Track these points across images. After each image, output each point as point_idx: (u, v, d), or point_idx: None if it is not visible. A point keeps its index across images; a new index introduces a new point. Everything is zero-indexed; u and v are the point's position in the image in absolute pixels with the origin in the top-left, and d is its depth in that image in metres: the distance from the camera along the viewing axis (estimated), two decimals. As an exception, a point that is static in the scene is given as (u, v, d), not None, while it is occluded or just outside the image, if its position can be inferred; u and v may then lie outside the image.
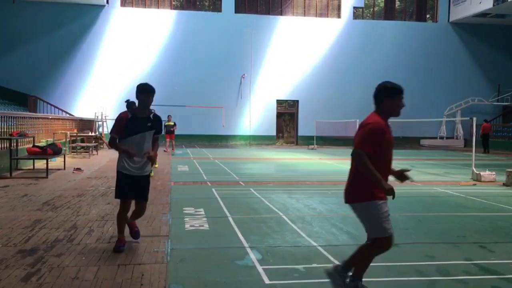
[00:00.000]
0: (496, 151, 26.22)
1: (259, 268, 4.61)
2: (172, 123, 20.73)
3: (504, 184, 11.22)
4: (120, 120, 5.19)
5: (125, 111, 5.34)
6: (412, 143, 30.54)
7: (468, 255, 5.20)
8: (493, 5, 27.55)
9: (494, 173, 12.04)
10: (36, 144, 13.31)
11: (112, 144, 5.23)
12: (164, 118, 25.44)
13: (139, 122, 5.17)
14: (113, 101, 27.09)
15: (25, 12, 27.08)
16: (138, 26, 28.60)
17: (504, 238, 6.06)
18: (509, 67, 32.30)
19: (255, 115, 29.99)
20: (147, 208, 7.53)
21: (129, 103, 6.70)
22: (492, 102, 31.57)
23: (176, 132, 29.58)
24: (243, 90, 29.90)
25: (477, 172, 12.05)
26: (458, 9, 31.05)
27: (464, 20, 31.17)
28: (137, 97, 5.18)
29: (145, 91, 5.17)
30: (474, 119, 13.01)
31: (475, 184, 11.37)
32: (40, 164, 13.37)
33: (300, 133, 30.82)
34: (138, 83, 5.25)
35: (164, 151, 19.97)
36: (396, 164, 14.27)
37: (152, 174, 9.81)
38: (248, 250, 5.25)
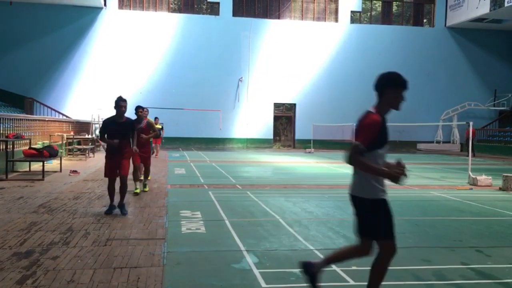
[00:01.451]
0: (492, 155, 26.30)
1: (256, 272, 4.60)
2: (160, 126, 19.46)
3: (500, 189, 11.25)
4: None
5: None
6: (408, 147, 30.60)
7: (464, 259, 5.20)
8: (490, 10, 27.67)
9: (490, 177, 12.07)
10: (32, 146, 13.27)
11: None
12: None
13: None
14: (110, 103, 27.02)
15: (22, 14, 27.04)
16: (136, 29, 28.59)
17: (500, 243, 6.07)
18: (506, 72, 32.43)
19: (252, 118, 29.99)
20: (143, 211, 7.54)
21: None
22: (489, 107, 31.68)
23: (173, 135, 29.67)
24: (240, 93, 29.92)
25: (474, 177, 12.08)
26: (455, 14, 31.17)
27: (461, 25, 31.30)
28: None
29: None
30: (471, 123, 13.04)
31: (471, 189, 11.39)
32: (36, 166, 13.32)
33: (297, 137, 30.83)
34: None
35: (155, 157, 18.32)
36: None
37: (146, 189, 9.72)
38: (245, 253, 5.24)
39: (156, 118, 19.00)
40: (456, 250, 5.63)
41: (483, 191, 11.09)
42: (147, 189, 9.65)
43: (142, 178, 9.77)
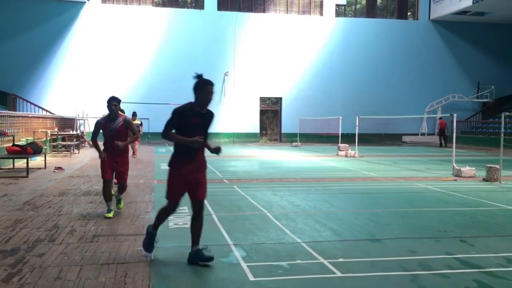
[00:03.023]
0: (476, 147, 26.65)
1: (244, 265, 4.61)
2: (139, 122, 17.57)
3: (484, 179, 11.41)
4: None
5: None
6: (394, 139, 30.86)
7: (449, 249, 5.27)
8: (473, 3, 27.95)
9: (474, 168, 12.24)
10: (16, 143, 13.11)
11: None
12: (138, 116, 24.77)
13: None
14: (94, 99, 26.80)
15: (3, 9, 26.58)
16: (120, 23, 28.31)
17: (484, 232, 6.17)
18: (489, 64, 32.81)
19: (239, 112, 29.95)
20: (130, 207, 7.50)
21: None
22: (472, 99, 32.06)
23: (159, 130, 29.30)
24: (226, 87, 29.84)
25: (458, 168, 12.23)
26: (439, 7, 31.42)
27: (445, 18, 31.56)
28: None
29: None
30: (455, 115, 13.19)
31: (455, 180, 11.54)
32: (20, 163, 13.16)
33: (283, 130, 30.88)
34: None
35: (134, 157, 16.33)
36: (379, 160, 14.44)
37: (121, 205, 7.23)
38: (233, 247, 5.26)
39: (134, 113, 17.20)
40: (441, 240, 5.71)
41: (467, 182, 11.24)
42: (121, 206, 7.21)
43: (114, 193, 7.32)
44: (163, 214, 4.86)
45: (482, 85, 32.41)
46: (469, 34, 32.45)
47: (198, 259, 4.59)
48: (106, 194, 6.79)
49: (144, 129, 27.23)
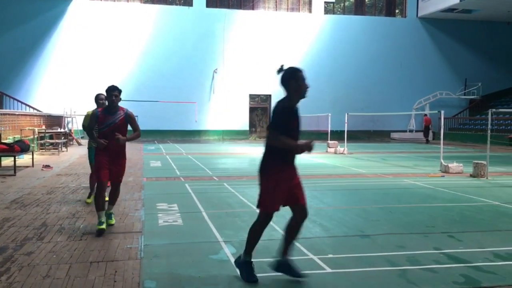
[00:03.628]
0: (463, 143, 26.91)
1: (233, 262, 4.62)
2: None
3: (471, 175, 11.53)
4: None
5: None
6: (382, 136, 31.04)
7: (437, 244, 5.33)
8: (460, 0, 28.18)
9: (461, 164, 12.36)
10: (2, 141, 12.96)
11: None
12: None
13: None
14: (82, 96, 26.59)
15: (-11, 5, 26.26)
16: (108, 20, 28.09)
17: (471, 228, 6.25)
18: (476, 61, 33.13)
19: (228, 110, 29.92)
20: (119, 205, 7.47)
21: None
22: (459, 96, 32.35)
23: (148, 128, 29.14)
24: (215, 85, 29.78)
25: (445, 164, 12.35)
26: (426, 4, 31.62)
27: (432, 15, 31.78)
28: None
29: None
30: (442, 112, 13.30)
31: (443, 176, 11.65)
32: (7, 161, 13.02)
33: (272, 128, 30.86)
34: None
35: None
36: (368, 156, 14.56)
37: (112, 221, 6.10)
38: (223, 244, 5.27)
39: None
40: (429, 235, 5.77)
41: (455, 178, 11.35)
42: (113, 221, 6.10)
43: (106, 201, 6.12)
44: (257, 233, 4.25)
45: (469, 82, 32.72)
46: (457, 32, 32.73)
47: (289, 271, 4.13)
48: (100, 200, 5.70)
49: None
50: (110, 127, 5.76)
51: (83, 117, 13.55)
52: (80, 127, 26.33)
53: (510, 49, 33.36)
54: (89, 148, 7.40)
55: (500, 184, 10.41)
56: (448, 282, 4.15)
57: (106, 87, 6.04)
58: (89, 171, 8.02)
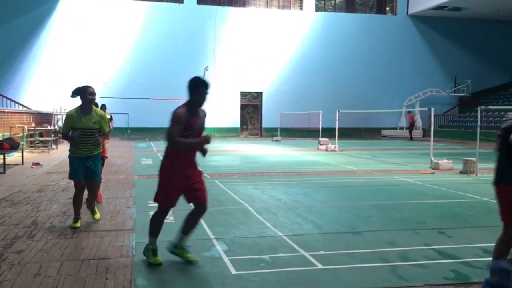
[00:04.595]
0: (453, 140, 27.12)
1: (226, 259, 4.63)
2: (109, 116, 14.23)
3: (461, 172, 11.63)
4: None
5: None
6: (373, 133, 31.16)
7: (427, 240, 5.38)
8: (450, -2, 28.39)
9: (451, 161, 12.46)
10: (-8, 139, 12.84)
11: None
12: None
13: None
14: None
15: (-23, 1, 25.96)
16: (98, 17, 27.88)
17: (461, 224, 6.30)
18: (465, 59, 33.35)
19: (219, 107, 29.84)
20: (110, 203, 7.44)
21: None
22: (449, 93, 32.57)
23: (139, 125, 28.96)
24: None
25: (435, 161, 12.44)
26: (417, 2, 31.76)
27: (423, 13, 31.93)
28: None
29: None
30: (432, 109, 13.40)
31: (433, 173, 11.73)
32: (-4, 159, 12.91)
33: (264, 125, 30.92)
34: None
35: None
36: (359, 154, 14.60)
37: (97, 216, 6.12)
38: (214, 241, 5.27)
39: (103, 105, 14.13)
40: (420, 232, 5.81)
41: (445, 174, 11.44)
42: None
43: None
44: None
45: (459, 79, 32.95)
46: (447, 29, 32.92)
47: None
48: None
49: (122, 124, 26.84)
50: (197, 131, 4.62)
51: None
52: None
53: (499, 47, 33.62)
54: (72, 158, 5.73)
55: (490, 181, 10.40)
56: (439, 277, 4.19)
57: (200, 81, 4.66)
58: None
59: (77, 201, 5.77)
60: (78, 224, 5.74)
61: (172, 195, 4.51)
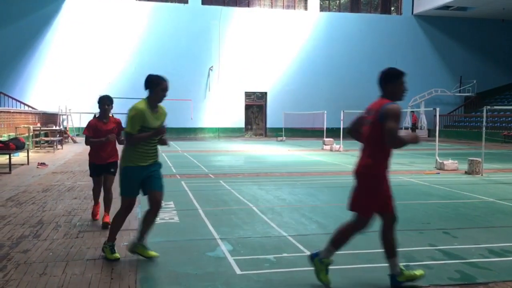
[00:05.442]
0: (458, 140, 27.02)
1: (230, 259, 4.64)
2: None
3: (466, 172, 11.59)
4: None
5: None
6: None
7: (432, 241, 5.36)
8: (455, -2, 28.30)
9: (456, 161, 12.42)
10: (-3, 139, 12.91)
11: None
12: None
13: None
14: (77, 94, 26.53)
15: (-17, 2, 26.10)
16: (103, 17, 28.00)
17: (466, 224, 6.28)
18: (470, 59, 33.24)
19: (224, 107, 29.91)
20: (115, 203, 7.45)
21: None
22: (454, 93, 32.47)
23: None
24: (211, 82, 29.75)
25: (441, 161, 12.40)
26: (422, 2, 31.69)
27: (427, 13, 31.86)
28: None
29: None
30: (437, 109, 13.36)
31: (438, 173, 11.70)
32: (2, 159, 12.98)
33: (268, 125, 30.93)
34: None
35: None
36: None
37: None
38: (219, 241, 5.27)
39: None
40: (425, 232, 5.80)
41: (450, 175, 11.40)
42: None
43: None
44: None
45: (464, 79, 32.84)
46: (452, 29, 32.82)
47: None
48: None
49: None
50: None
51: (79, 115, 13.10)
52: (76, 125, 26.27)
53: (504, 46, 33.50)
54: (131, 169, 4.55)
55: (495, 181, 10.46)
56: (444, 278, 4.18)
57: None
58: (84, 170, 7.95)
59: (120, 223, 4.76)
60: (117, 255, 4.62)
61: (378, 203, 4.04)
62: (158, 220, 6.24)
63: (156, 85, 4.60)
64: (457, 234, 5.71)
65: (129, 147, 4.49)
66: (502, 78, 33.60)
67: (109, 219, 5.54)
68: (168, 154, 16.21)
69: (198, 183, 9.81)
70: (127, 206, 4.66)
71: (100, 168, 6.09)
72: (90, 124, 6.00)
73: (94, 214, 6.30)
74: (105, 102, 6.02)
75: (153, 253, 4.61)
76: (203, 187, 9.24)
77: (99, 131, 5.92)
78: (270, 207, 7.23)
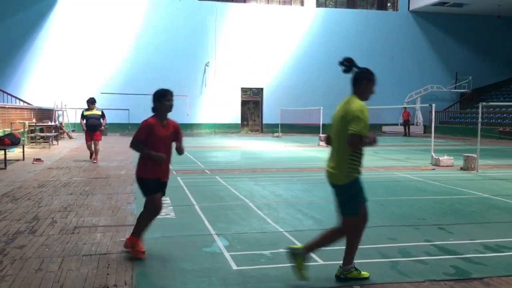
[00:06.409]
0: (454, 136, 27.10)
1: (226, 255, 4.64)
2: (100, 113, 12.65)
3: (461, 168, 11.63)
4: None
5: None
6: (374, 129, 31.11)
7: (428, 236, 5.38)
8: (451, -6, 28.31)
9: (452, 157, 12.46)
10: (-7, 135, 12.85)
11: None
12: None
13: None
14: (73, 89, 26.42)
15: (-23, -3, 25.91)
16: (98, 12, 27.83)
17: (461, 220, 6.31)
18: (466, 55, 33.29)
19: (220, 103, 29.86)
20: (111, 198, 7.46)
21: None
22: (450, 89, 32.53)
23: (139, 121, 29.03)
24: (207, 78, 29.68)
25: (436, 157, 12.44)
26: (418, -2, 31.71)
27: (424, 9, 31.86)
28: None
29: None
30: (433, 105, 13.38)
31: (434, 169, 11.73)
32: (-3, 155, 12.92)
33: (265, 121, 30.91)
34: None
35: (94, 162, 12.20)
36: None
37: None
38: (215, 237, 5.28)
39: (90, 99, 12.71)
40: (420, 228, 5.82)
41: (445, 171, 11.44)
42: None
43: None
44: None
45: (460, 75, 32.91)
46: (448, 25, 32.85)
47: None
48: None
49: (123, 120, 26.79)
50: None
51: (74, 110, 13.11)
52: (72, 120, 26.18)
53: (501, 43, 33.56)
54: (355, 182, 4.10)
55: (490, 177, 10.51)
56: (439, 273, 4.20)
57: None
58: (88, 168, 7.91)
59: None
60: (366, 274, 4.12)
61: None
62: (154, 215, 6.26)
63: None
64: (452, 229, 5.74)
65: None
66: (498, 74, 33.67)
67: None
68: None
69: (194, 179, 9.80)
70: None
71: (163, 186, 4.76)
72: (147, 124, 4.67)
73: (138, 251, 4.57)
74: (170, 97, 4.86)
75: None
76: (199, 183, 9.24)
77: (156, 136, 4.62)
78: (266, 203, 7.24)
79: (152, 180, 4.61)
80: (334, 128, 4.08)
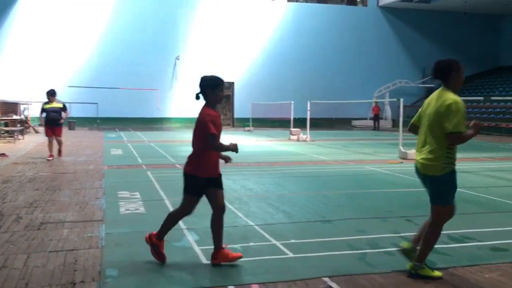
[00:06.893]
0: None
1: (197, 249, 4.63)
2: (61, 105, 11.89)
3: (428, 162, 11.86)
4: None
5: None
6: (344, 124, 31.52)
7: (396, 228, 5.49)
8: (419, -10, 28.82)
9: (419, 151, 12.69)
10: (-46, 129, 12.42)
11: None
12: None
13: None
14: (39, 82, 25.74)
15: None
16: (65, 4, 27.17)
17: (428, 212, 6.41)
18: (434, 50, 33.93)
19: (191, 97, 29.45)
20: (79, 193, 7.32)
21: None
22: (418, 84, 33.18)
23: (109, 115, 28.37)
24: (177, 72, 29.41)
25: (404, 151, 12.68)
26: (387, -6, 32.17)
27: (392, 5, 32.36)
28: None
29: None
30: (401, 100, 13.62)
31: (402, 162, 11.96)
32: (-41, 150, 12.51)
33: (236, 115, 30.87)
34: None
35: (48, 159, 11.17)
36: (330, 144, 14.66)
37: None
38: (185, 231, 5.25)
39: (50, 91, 11.83)
40: (388, 220, 5.93)
41: (413, 164, 11.63)
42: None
43: None
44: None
45: (428, 70, 33.56)
46: (416, 21, 33.47)
47: None
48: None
49: (91, 114, 26.22)
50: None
51: (40, 104, 12.76)
52: (38, 114, 25.56)
53: (467, 39, 34.39)
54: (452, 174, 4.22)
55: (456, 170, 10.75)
56: (406, 264, 4.28)
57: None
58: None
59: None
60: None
61: None
62: (123, 210, 6.18)
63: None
64: (419, 221, 5.82)
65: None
66: (464, 70, 34.43)
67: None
68: (134, 145, 15.98)
69: (164, 173, 9.71)
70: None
71: (211, 182, 4.60)
72: (215, 116, 4.54)
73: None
74: (223, 87, 4.79)
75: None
76: (169, 177, 9.16)
77: (219, 127, 4.62)
78: (237, 197, 7.24)
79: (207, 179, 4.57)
80: (426, 120, 4.12)
